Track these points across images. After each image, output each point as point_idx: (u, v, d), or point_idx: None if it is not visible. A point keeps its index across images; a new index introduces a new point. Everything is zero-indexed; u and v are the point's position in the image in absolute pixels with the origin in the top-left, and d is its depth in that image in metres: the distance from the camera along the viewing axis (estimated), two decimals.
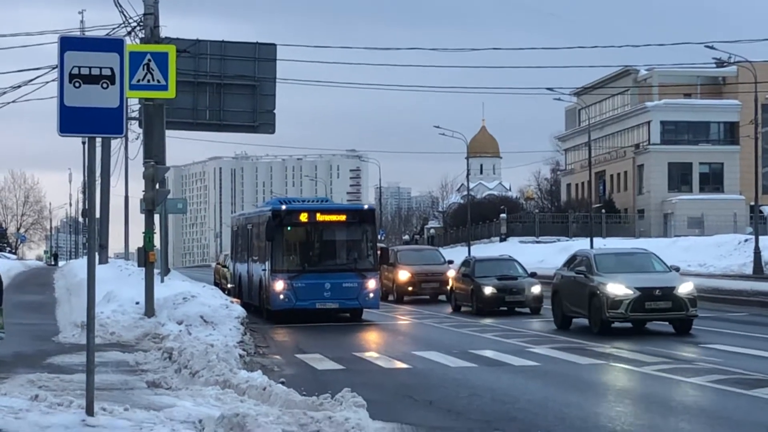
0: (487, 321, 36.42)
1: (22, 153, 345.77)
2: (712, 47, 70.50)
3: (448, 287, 44.88)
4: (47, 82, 36.92)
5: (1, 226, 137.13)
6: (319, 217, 36.63)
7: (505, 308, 40.04)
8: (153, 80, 26.17)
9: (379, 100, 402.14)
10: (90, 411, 14.22)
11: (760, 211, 78.45)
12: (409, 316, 40.99)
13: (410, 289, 47.94)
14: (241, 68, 36.16)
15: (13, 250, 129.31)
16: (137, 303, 29.21)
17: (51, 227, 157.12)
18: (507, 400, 18.49)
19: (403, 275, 47.82)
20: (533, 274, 41.56)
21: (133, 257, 53.76)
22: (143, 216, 30.50)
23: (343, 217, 37.16)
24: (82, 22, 60.41)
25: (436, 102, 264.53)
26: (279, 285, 35.53)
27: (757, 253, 65.77)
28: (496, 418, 16.72)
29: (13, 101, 42.51)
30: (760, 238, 69.40)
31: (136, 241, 34.89)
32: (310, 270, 36.02)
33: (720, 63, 76.45)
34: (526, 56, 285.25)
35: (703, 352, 25.99)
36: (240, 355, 23.67)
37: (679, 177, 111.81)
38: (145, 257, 29.38)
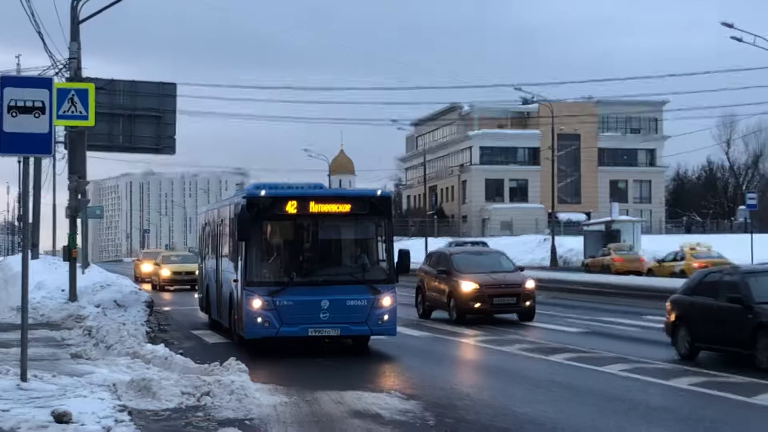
0: None
1: None
2: (519, 89, 71.75)
3: (670, 314, 20.72)
4: None
5: None
6: (314, 207, 20.86)
7: None
8: (76, 111, 25.68)
9: (261, 127, 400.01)
10: (24, 377, 14.03)
11: (556, 217, 79.85)
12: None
13: (477, 305, 28.80)
14: (148, 102, 35.79)
15: None
16: (63, 290, 28.70)
17: None
18: None
19: (467, 286, 28.91)
20: None
21: (59, 254, 52.70)
22: (68, 220, 30.05)
23: (347, 207, 21.17)
24: (18, 64, 58.89)
25: (306, 129, 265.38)
26: (256, 303, 20.39)
27: (553, 250, 67.79)
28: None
29: None
30: (556, 238, 71.17)
31: (62, 241, 34.32)
32: (300, 282, 20.62)
33: (525, 101, 77.79)
34: (377, 94, 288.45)
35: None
36: (146, 332, 23.46)
37: (494, 190, 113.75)
38: (69, 253, 28.91)
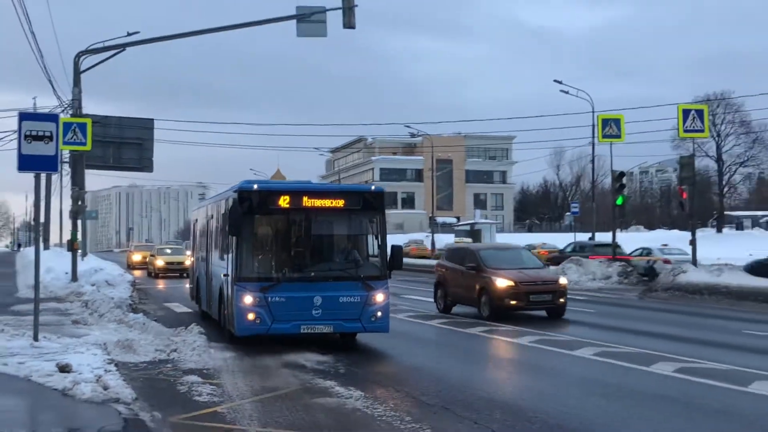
0: None
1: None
2: (408, 126, 72.09)
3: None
4: (12, 140, 35.43)
5: None
6: (307, 201, 15.36)
7: None
8: (77, 139, 25.16)
9: (216, 152, 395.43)
10: (36, 338, 13.84)
11: (435, 220, 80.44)
12: None
13: (513, 302, 21.06)
14: (132, 133, 35.42)
15: None
16: (66, 273, 28.10)
17: (14, 227, 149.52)
18: None
19: (502, 283, 21.17)
20: None
21: (65, 246, 51.72)
22: (71, 221, 29.52)
23: (340, 203, 15.60)
24: (34, 104, 57.54)
25: (251, 154, 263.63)
26: (247, 299, 14.84)
27: (433, 243, 68.14)
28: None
29: None
30: (435, 235, 71.80)
31: (67, 236, 33.57)
32: (292, 278, 15.00)
33: (413, 135, 78.16)
34: (305, 128, 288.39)
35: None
36: (130, 304, 23.11)
37: (391, 201, 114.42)
38: (71, 246, 28.39)
